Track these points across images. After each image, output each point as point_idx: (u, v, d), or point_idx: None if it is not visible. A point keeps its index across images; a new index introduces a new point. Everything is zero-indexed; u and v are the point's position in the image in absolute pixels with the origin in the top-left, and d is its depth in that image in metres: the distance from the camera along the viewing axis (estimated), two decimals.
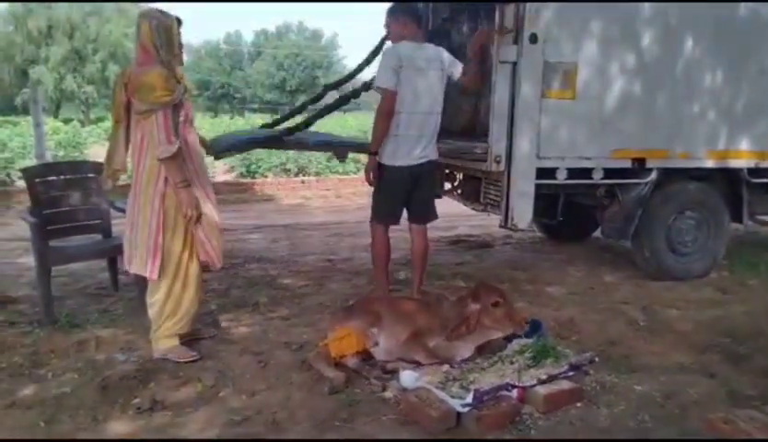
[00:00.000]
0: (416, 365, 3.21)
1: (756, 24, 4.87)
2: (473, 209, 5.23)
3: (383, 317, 3.39)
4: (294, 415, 2.84)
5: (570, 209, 5.20)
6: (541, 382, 2.95)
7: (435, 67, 4.05)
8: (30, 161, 9.40)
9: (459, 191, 5.58)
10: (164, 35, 3.22)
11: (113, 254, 4.47)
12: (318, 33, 56.51)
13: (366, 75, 5.29)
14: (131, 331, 3.83)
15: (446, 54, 4.17)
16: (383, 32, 4.74)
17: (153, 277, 3.34)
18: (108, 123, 21.23)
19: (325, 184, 11.19)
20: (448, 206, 5.30)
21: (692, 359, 3.49)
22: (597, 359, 3.33)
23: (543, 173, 4.52)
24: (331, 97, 5.65)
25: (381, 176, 4.09)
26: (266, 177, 11.25)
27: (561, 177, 4.59)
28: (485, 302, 3.26)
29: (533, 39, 4.24)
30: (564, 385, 2.98)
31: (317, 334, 3.70)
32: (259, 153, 11.20)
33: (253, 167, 11.52)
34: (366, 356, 3.29)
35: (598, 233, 5.80)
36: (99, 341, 3.67)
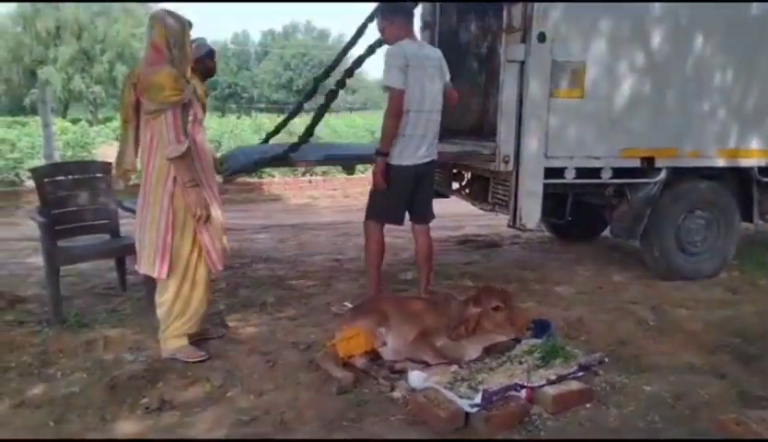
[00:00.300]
0: (424, 365, 3.20)
1: (766, 21, 4.83)
2: (481, 209, 5.22)
3: (391, 316, 3.39)
4: (302, 415, 2.84)
5: (578, 209, 5.18)
6: (551, 382, 2.93)
7: (436, 66, 4.02)
8: (39, 161, 9.44)
9: (467, 191, 5.58)
10: (178, 36, 3.23)
11: (121, 254, 4.49)
12: (325, 33, 56.70)
13: (348, 63, 5.19)
14: (139, 330, 3.84)
15: (441, 54, 4.14)
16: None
17: (162, 276, 3.34)
18: (116, 123, 21.30)
19: (332, 184, 11.18)
20: (455, 206, 5.29)
21: (703, 359, 3.47)
22: (606, 359, 3.32)
23: (552, 173, 4.51)
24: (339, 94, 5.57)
25: (387, 176, 4.04)
26: (273, 176, 11.26)
27: (569, 176, 4.58)
28: (486, 306, 3.25)
29: (541, 37, 4.23)
30: (574, 385, 2.96)
31: (324, 334, 3.69)
32: None
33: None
34: (374, 356, 3.28)
35: (606, 233, 5.77)
36: (108, 340, 3.68)
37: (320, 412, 2.85)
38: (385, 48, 4.06)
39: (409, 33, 4.02)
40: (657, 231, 4.92)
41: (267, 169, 11.47)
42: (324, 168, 11.70)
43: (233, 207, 8.35)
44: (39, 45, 34.48)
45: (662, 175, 4.78)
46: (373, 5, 5.03)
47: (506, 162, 4.42)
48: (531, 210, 4.46)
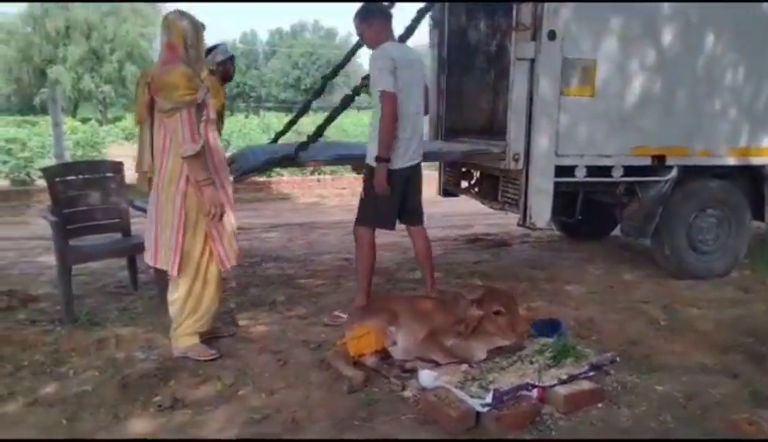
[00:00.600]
0: (434, 364, 3.20)
1: None
2: (491, 208, 5.21)
3: (401, 315, 3.39)
4: (313, 414, 2.84)
5: (589, 207, 5.16)
6: (562, 382, 2.92)
7: (418, 68, 3.99)
8: (50, 160, 9.50)
9: (477, 190, 5.57)
10: (192, 37, 3.26)
11: (132, 253, 4.51)
12: (332, 32, 56.70)
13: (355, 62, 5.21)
14: (150, 329, 3.85)
15: (420, 56, 4.10)
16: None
17: (173, 273, 3.37)
18: (125, 123, 21.48)
19: (341, 183, 11.18)
20: (465, 205, 5.28)
21: (714, 359, 3.45)
22: (618, 359, 3.30)
23: (562, 171, 4.49)
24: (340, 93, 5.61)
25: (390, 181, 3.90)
26: (282, 176, 11.27)
27: (580, 175, 4.56)
28: (488, 309, 3.24)
29: (552, 35, 4.21)
30: (585, 385, 2.95)
31: (335, 333, 3.70)
32: None
33: None
34: (384, 355, 3.28)
35: (617, 231, 5.74)
36: (119, 339, 3.69)
37: (331, 411, 2.86)
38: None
39: (389, 35, 3.95)
40: (668, 230, 4.90)
41: (276, 169, 11.51)
42: (333, 167, 11.72)
43: (242, 206, 8.36)
44: (48, 45, 34.75)
45: (673, 173, 4.76)
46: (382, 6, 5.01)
47: (516, 160, 4.40)
48: (541, 209, 4.45)
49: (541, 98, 4.30)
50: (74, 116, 29.97)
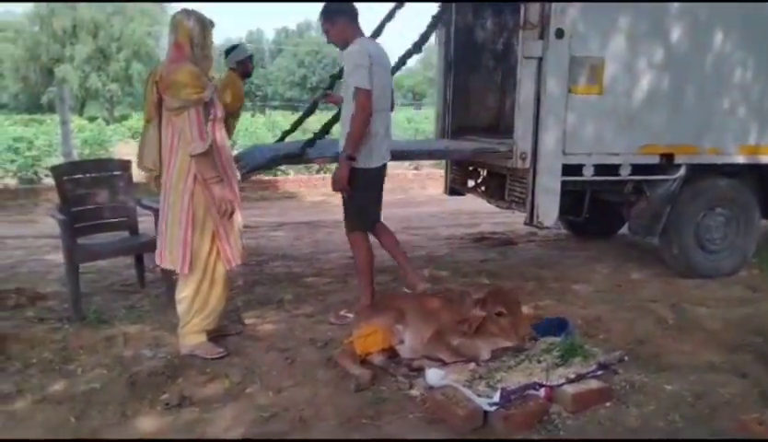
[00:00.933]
0: (441, 363, 3.19)
1: None
2: (498, 206, 5.19)
3: (408, 314, 3.38)
4: (320, 412, 2.84)
5: (596, 206, 5.14)
6: (570, 381, 2.91)
7: (387, 65, 3.97)
8: (57, 159, 9.54)
9: (483, 189, 5.55)
10: (200, 35, 3.28)
11: (140, 251, 4.53)
12: None
13: None
14: (158, 327, 3.86)
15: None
16: (398, 30, 4.68)
17: (184, 271, 3.38)
18: (132, 122, 21.52)
19: None
20: (471, 204, 5.27)
21: (723, 358, 3.43)
22: (626, 358, 3.29)
23: (569, 170, 4.48)
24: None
25: (360, 181, 3.86)
26: (288, 174, 11.28)
27: (587, 173, 4.54)
28: (490, 310, 3.23)
29: (559, 34, 4.20)
30: (593, 384, 2.94)
31: (342, 331, 3.69)
32: None
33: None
34: (391, 354, 3.28)
35: (624, 230, 5.72)
36: (127, 337, 3.71)
37: (338, 410, 2.86)
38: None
39: (356, 33, 3.88)
40: (676, 228, 4.87)
41: (282, 167, 11.52)
42: None
43: (249, 205, 8.38)
44: (55, 44, 34.86)
45: (681, 172, 4.74)
46: (390, 5, 4.99)
47: (524, 159, 4.39)
48: (549, 207, 4.43)
49: (549, 96, 4.29)
50: (81, 115, 30.08)
